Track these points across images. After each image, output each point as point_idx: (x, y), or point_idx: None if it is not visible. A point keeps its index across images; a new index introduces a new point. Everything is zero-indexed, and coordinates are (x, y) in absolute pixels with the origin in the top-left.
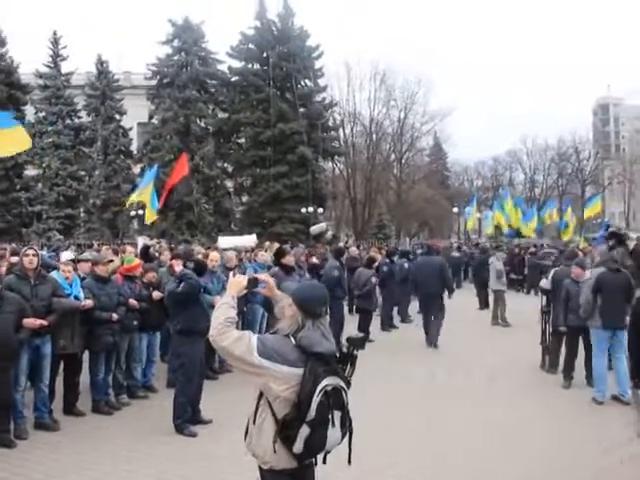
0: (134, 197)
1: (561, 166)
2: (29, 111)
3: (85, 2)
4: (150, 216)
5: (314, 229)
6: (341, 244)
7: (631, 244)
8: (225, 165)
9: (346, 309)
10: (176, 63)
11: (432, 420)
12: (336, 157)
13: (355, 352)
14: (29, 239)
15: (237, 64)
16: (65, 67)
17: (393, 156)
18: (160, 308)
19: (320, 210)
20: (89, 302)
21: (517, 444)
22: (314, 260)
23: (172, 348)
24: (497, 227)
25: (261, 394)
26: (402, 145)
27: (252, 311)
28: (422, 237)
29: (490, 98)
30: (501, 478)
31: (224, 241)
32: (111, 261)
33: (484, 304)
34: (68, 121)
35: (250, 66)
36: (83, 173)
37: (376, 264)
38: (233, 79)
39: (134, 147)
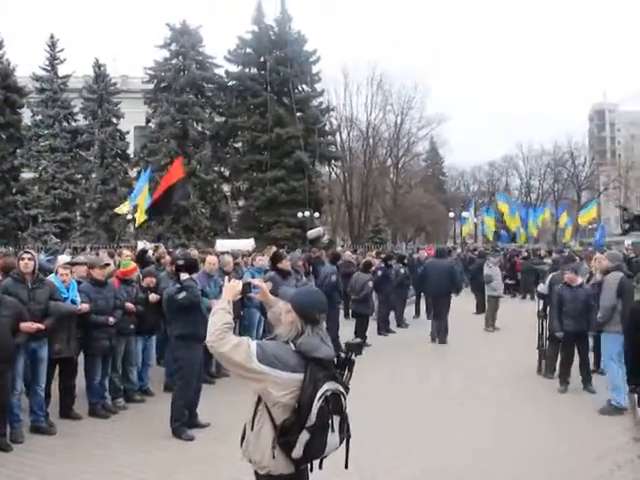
0: (126, 207)
1: (557, 171)
2: (26, 114)
3: (83, 6)
4: (140, 218)
5: (311, 233)
6: (339, 248)
7: None
8: (222, 169)
9: (342, 313)
10: (173, 67)
11: (429, 424)
12: (333, 162)
13: (353, 357)
14: (25, 243)
15: (234, 68)
16: (62, 70)
17: (390, 161)
18: (156, 311)
19: (316, 214)
20: (86, 306)
21: (513, 449)
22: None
23: (170, 352)
24: (496, 232)
25: (259, 400)
26: (399, 150)
27: (249, 315)
28: (418, 242)
29: (486, 104)
30: None
31: (222, 245)
32: (107, 265)
33: (481, 308)
34: (65, 124)
35: (247, 70)
36: (80, 176)
37: (372, 269)
38: (230, 83)
39: (131, 151)
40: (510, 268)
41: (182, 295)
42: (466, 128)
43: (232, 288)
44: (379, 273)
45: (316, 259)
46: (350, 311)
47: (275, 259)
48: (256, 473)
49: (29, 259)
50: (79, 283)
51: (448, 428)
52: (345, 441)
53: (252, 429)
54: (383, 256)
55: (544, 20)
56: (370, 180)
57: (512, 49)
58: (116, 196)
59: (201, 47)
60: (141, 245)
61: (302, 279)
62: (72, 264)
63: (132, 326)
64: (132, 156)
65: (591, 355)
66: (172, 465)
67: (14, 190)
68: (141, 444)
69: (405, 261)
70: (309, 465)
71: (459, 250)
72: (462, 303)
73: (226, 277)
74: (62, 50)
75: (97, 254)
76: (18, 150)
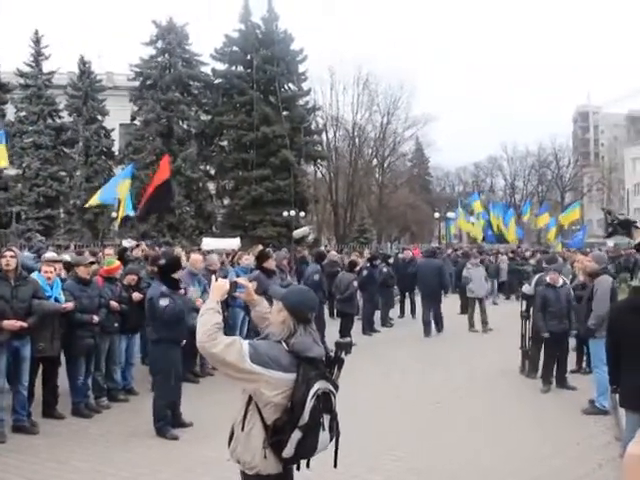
0: (94, 200)
1: (541, 172)
2: (9, 110)
3: (68, 2)
4: (122, 214)
5: (297, 233)
6: (322, 248)
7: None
8: (207, 167)
9: (327, 313)
10: (159, 64)
11: (414, 423)
12: (318, 161)
13: (343, 356)
14: (7, 240)
15: (221, 66)
16: (47, 66)
17: (375, 161)
18: (139, 310)
19: (302, 214)
20: (70, 304)
21: (496, 448)
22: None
23: (149, 352)
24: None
25: (249, 400)
26: (384, 150)
27: (233, 315)
28: (403, 242)
29: (471, 104)
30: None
31: (208, 243)
32: (92, 263)
33: (465, 309)
34: (49, 121)
35: (234, 69)
36: (64, 174)
37: (357, 268)
38: (216, 81)
39: (116, 148)
40: (494, 269)
41: (165, 304)
42: (451, 128)
43: (219, 287)
44: (364, 273)
45: (300, 258)
46: (335, 310)
47: (260, 258)
48: (243, 473)
49: (11, 256)
50: (63, 281)
51: (432, 427)
52: (335, 440)
53: (242, 429)
54: (368, 256)
55: (529, 21)
56: (356, 180)
57: (498, 49)
58: None
59: (187, 45)
60: (125, 244)
61: (287, 278)
62: (53, 261)
63: (116, 325)
64: (117, 154)
65: (573, 355)
66: (156, 464)
67: None
68: (125, 443)
69: (389, 260)
70: (296, 464)
71: (449, 250)
72: (449, 304)
73: (212, 276)
74: (47, 46)
75: (79, 253)
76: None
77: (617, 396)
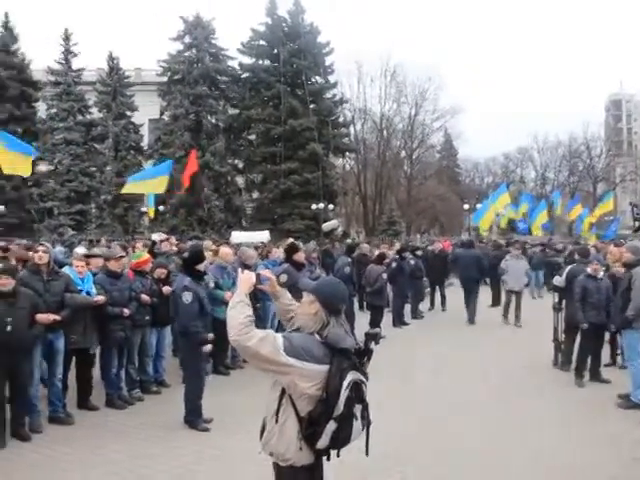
0: (132, 187)
1: (572, 163)
2: (41, 107)
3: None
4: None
5: (326, 226)
6: (349, 240)
7: None
8: (236, 161)
9: (357, 305)
10: (187, 59)
11: (443, 411)
12: (347, 153)
13: (372, 346)
14: (41, 235)
15: (248, 60)
16: (76, 64)
17: (404, 153)
18: (169, 303)
19: (330, 206)
20: (101, 298)
21: (529, 441)
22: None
23: (179, 345)
24: (509, 223)
25: (282, 393)
26: (413, 142)
27: (263, 308)
28: (433, 233)
29: (501, 94)
30: (511, 475)
31: (237, 237)
32: (123, 257)
33: (496, 301)
34: (79, 117)
35: (261, 62)
36: (94, 169)
37: (386, 260)
38: (244, 75)
39: (145, 143)
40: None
41: (188, 298)
42: (480, 119)
43: (246, 280)
44: (393, 265)
45: (325, 251)
46: (365, 303)
47: (290, 251)
48: (276, 465)
49: (43, 251)
50: (94, 275)
51: (464, 421)
52: (365, 428)
53: (276, 422)
54: (398, 248)
55: (561, 9)
56: (384, 172)
57: (529, 38)
58: None
59: (214, 39)
60: (155, 237)
61: (316, 271)
62: (88, 256)
63: (147, 318)
64: (146, 149)
65: (607, 348)
66: (187, 456)
67: (30, 183)
68: (157, 435)
69: (418, 253)
70: (327, 455)
71: (485, 242)
72: (480, 295)
73: (239, 269)
74: (76, 44)
75: (109, 247)
76: (34, 143)
77: None
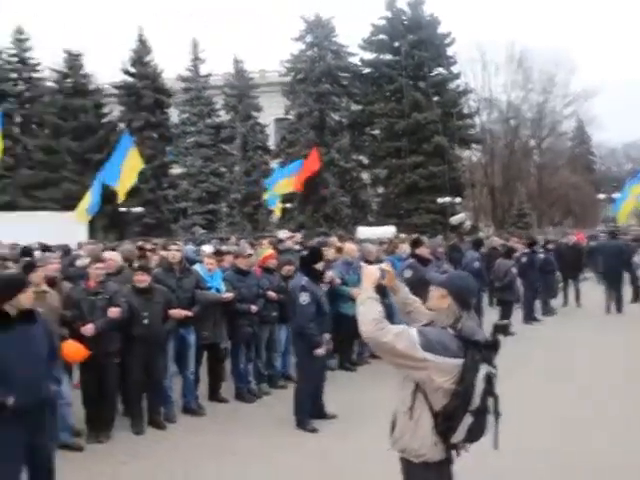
0: (274, 191)
1: None
2: (173, 113)
3: (220, 7)
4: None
5: (454, 219)
6: (481, 234)
7: None
8: (360, 157)
9: (486, 301)
10: (309, 58)
11: (581, 413)
12: (473, 145)
13: (499, 338)
14: (176, 234)
15: (369, 56)
16: (204, 69)
17: (533, 142)
18: None
19: (457, 200)
20: (229, 295)
21: None
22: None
23: (294, 343)
24: None
25: (416, 388)
26: (542, 130)
27: (390, 302)
28: (566, 225)
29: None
30: None
31: (363, 232)
32: (251, 255)
33: (637, 297)
34: (208, 120)
35: (382, 57)
36: (224, 169)
37: (516, 254)
38: (365, 71)
39: (271, 143)
40: None
41: (305, 299)
42: (617, 102)
43: (370, 275)
44: (523, 259)
45: (452, 246)
46: (494, 299)
47: (414, 245)
48: (407, 462)
49: (176, 250)
50: (223, 272)
51: (602, 423)
52: (495, 421)
53: (410, 418)
54: (527, 241)
55: None
56: (513, 162)
57: None
58: (258, 187)
59: (335, 37)
60: (281, 235)
61: (443, 266)
62: (217, 254)
63: (275, 314)
64: (272, 148)
65: None
66: (312, 450)
67: (165, 185)
68: (284, 427)
69: (549, 246)
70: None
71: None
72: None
73: (362, 264)
74: (203, 50)
75: (238, 245)
76: (167, 147)
77: None
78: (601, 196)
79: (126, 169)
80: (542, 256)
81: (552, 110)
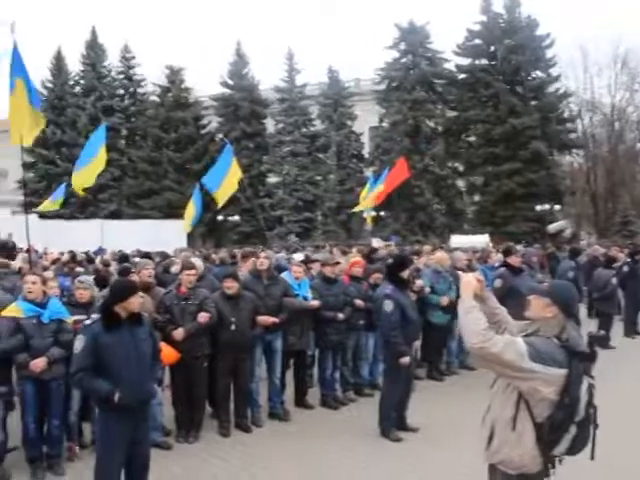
0: (365, 202)
1: None
2: (269, 123)
3: (315, 16)
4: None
5: (552, 227)
6: (582, 242)
7: None
8: (456, 164)
9: (584, 312)
10: (403, 66)
11: None
12: (573, 150)
13: (596, 350)
14: (272, 242)
15: (464, 61)
16: (299, 80)
17: (639, 145)
18: None
19: (557, 207)
20: (316, 303)
21: None
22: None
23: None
24: None
25: (519, 398)
26: None
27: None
28: None
29: None
30: None
31: (456, 241)
32: (338, 262)
33: None
34: (304, 130)
35: (477, 62)
36: (319, 178)
37: (617, 264)
38: (461, 77)
39: (366, 151)
40: None
41: (389, 308)
42: None
43: (468, 283)
44: (625, 269)
45: (549, 255)
46: (594, 310)
47: (505, 254)
48: (503, 475)
49: (264, 257)
50: (312, 280)
51: None
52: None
53: (513, 429)
54: (630, 250)
55: None
56: (617, 167)
57: None
58: (353, 196)
59: (429, 43)
60: (375, 243)
61: (537, 275)
62: (306, 262)
63: (362, 321)
64: (367, 156)
65: None
66: (393, 461)
67: (262, 193)
68: (368, 436)
69: None
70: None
71: None
72: None
73: (460, 273)
74: (297, 63)
75: (331, 252)
76: (264, 157)
77: None
78: None
79: (228, 178)
80: None
81: None
